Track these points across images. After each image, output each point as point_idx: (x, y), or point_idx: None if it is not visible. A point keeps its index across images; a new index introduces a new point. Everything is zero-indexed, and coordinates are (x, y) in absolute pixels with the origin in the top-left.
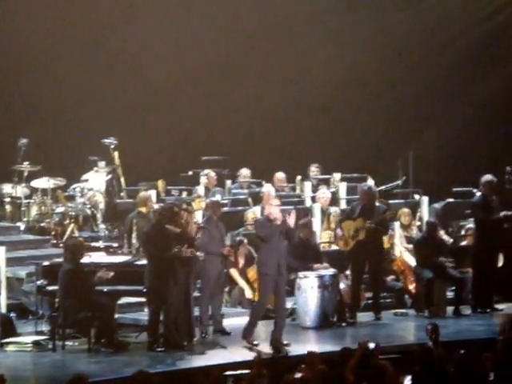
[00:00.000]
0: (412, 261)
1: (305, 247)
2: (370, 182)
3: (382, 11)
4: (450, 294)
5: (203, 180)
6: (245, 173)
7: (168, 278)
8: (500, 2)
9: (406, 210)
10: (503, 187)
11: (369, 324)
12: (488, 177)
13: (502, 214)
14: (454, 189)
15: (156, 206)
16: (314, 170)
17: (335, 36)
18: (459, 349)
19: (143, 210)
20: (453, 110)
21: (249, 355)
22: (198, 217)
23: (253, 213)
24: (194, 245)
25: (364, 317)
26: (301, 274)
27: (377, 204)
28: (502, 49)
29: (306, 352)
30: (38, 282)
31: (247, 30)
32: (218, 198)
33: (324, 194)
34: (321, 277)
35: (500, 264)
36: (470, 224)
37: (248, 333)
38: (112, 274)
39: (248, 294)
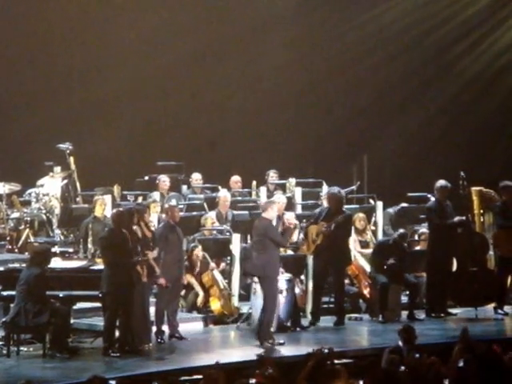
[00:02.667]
0: (367, 265)
1: None
2: (325, 187)
3: (333, 20)
4: (404, 299)
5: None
6: (196, 177)
7: (126, 283)
8: (451, 11)
9: (360, 214)
10: (457, 192)
11: (323, 329)
12: (442, 182)
13: (456, 218)
14: (409, 194)
15: (113, 211)
16: (272, 175)
17: (289, 42)
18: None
19: (99, 215)
20: (408, 114)
21: (204, 360)
22: (154, 221)
23: (211, 218)
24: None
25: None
26: (256, 278)
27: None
28: (455, 56)
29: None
30: None
31: (201, 37)
32: (173, 203)
33: (279, 198)
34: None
35: (454, 269)
36: (424, 229)
37: (267, 334)
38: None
39: (200, 300)
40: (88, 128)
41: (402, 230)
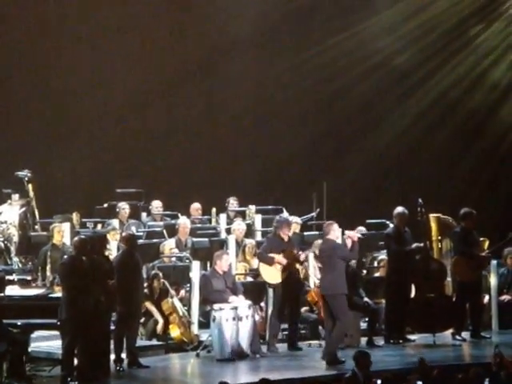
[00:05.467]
0: None
1: (220, 279)
2: (285, 214)
3: (292, 48)
4: (363, 325)
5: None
6: (156, 204)
7: (85, 310)
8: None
9: (320, 241)
10: (415, 219)
11: (282, 355)
12: (400, 209)
13: (414, 245)
14: (368, 220)
15: (76, 238)
16: (232, 202)
17: (247, 70)
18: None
19: (57, 242)
20: (366, 142)
21: None
22: (113, 249)
23: (169, 245)
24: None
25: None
26: (216, 305)
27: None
28: (412, 85)
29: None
30: None
31: (160, 64)
32: (133, 230)
33: (239, 225)
34: (235, 309)
35: (412, 295)
36: (383, 255)
37: (335, 356)
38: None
39: (160, 327)
40: (47, 155)
41: None
